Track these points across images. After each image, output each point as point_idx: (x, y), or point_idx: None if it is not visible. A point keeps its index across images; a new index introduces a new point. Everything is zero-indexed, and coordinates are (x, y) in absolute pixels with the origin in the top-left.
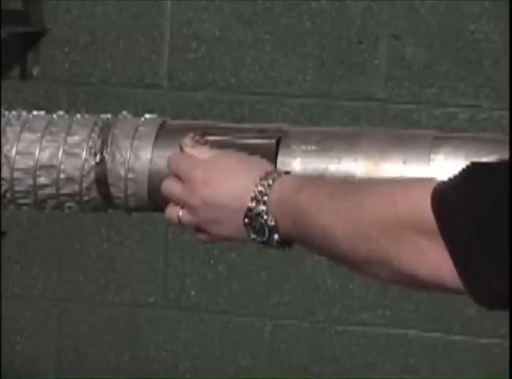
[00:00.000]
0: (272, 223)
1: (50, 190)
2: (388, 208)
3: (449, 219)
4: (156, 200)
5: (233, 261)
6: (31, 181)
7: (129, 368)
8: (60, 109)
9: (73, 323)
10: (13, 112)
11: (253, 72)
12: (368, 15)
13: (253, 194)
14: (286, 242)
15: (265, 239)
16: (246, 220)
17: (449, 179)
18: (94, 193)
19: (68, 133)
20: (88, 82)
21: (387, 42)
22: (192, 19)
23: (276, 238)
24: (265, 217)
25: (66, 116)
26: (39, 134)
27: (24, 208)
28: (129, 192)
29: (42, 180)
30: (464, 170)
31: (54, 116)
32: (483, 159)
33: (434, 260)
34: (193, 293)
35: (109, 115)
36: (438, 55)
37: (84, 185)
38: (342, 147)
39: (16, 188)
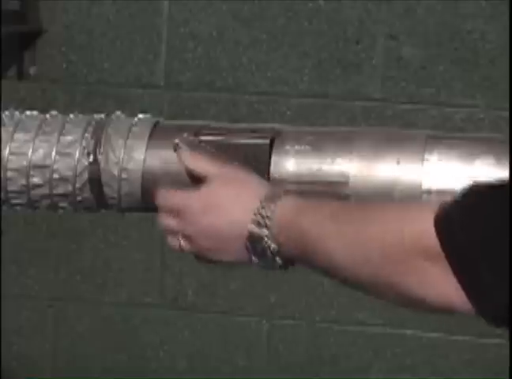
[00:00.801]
0: (275, 247)
1: (44, 190)
2: (392, 233)
3: (453, 240)
4: (149, 201)
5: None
6: (24, 182)
7: (125, 368)
8: (57, 109)
9: (69, 323)
10: (6, 112)
11: (250, 72)
12: (365, 15)
13: (254, 217)
14: (288, 264)
15: (268, 263)
16: (248, 244)
17: (452, 200)
18: (87, 193)
19: (61, 133)
20: (85, 82)
21: (384, 42)
22: (189, 19)
23: (279, 261)
24: (268, 241)
25: (59, 116)
26: (32, 134)
27: (17, 208)
28: (123, 192)
29: (35, 180)
30: (466, 190)
31: (48, 116)
32: (477, 160)
33: (440, 284)
34: (189, 293)
35: (102, 115)
36: (434, 55)
37: (78, 185)
38: (336, 147)
39: (9, 188)
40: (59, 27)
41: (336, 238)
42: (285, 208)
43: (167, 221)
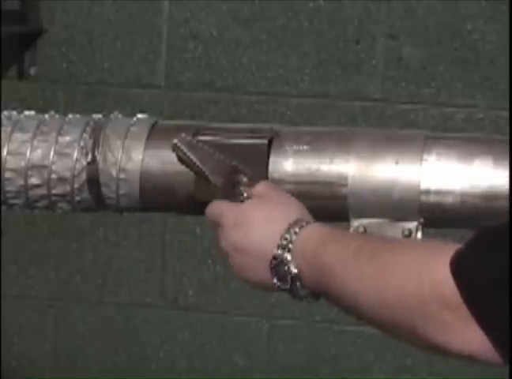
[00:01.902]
0: (295, 271)
1: (42, 191)
2: (411, 281)
3: (472, 287)
4: (147, 201)
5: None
6: (22, 182)
7: (125, 368)
8: (57, 109)
9: (70, 323)
10: (5, 112)
11: (250, 72)
12: (365, 15)
13: (279, 242)
14: (314, 294)
15: (288, 287)
16: (272, 266)
17: (466, 245)
18: (85, 194)
19: (59, 133)
20: (85, 82)
21: (384, 42)
22: (189, 19)
23: (299, 287)
24: (289, 265)
25: (58, 116)
26: (30, 134)
27: (16, 208)
28: (121, 192)
29: (33, 180)
30: (479, 233)
31: (46, 116)
32: (476, 160)
33: (461, 334)
34: (190, 293)
35: (100, 115)
36: (435, 55)
37: (76, 185)
38: (334, 147)
39: (8, 188)
40: (59, 27)
41: (358, 278)
42: (309, 235)
43: (214, 231)
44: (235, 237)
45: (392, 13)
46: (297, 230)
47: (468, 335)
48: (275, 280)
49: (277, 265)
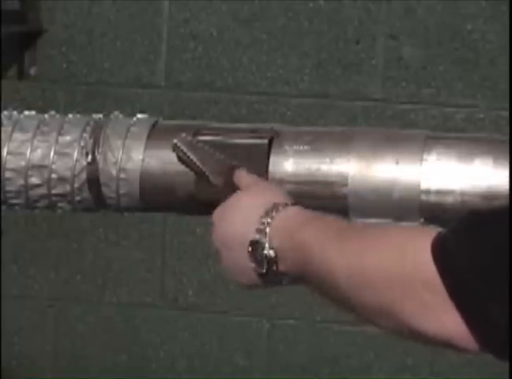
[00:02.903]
0: (271, 253)
1: (42, 190)
2: (395, 260)
3: (451, 270)
4: (147, 200)
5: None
6: (22, 182)
7: (126, 368)
8: (57, 109)
9: (70, 323)
10: (5, 112)
11: (250, 72)
12: (365, 15)
13: (257, 226)
14: (291, 278)
15: (264, 271)
16: (250, 251)
17: (449, 229)
18: (86, 193)
19: (60, 133)
20: (85, 82)
21: (384, 42)
22: (189, 19)
23: (277, 272)
24: (264, 247)
25: (58, 116)
26: (30, 134)
27: (16, 208)
28: (121, 192)
29: (33, 180)
30: (462, 218)
31: (46, 116)
32: (476, 160)
33: (440, 318)
34: (190, 293)
35: (101, 115)
36: (435, 55)
37: (76, 185)
38: (334, 147)
39: (8, 188)
40: (59, 27)
41: (339, 256)
42: (287, 217)
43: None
44: (220, 231)
45: (392, 13)
46: (274, 213)
47: (446, 320)
48: (253, 265)
49: (255, 250)
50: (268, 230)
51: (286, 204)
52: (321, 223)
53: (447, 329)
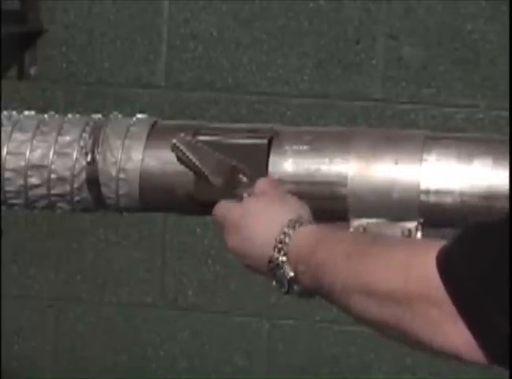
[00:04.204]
0: (291, 275)
1: (41, 190)
2: (400, 277)
3: (457, 283)
4: (147, 201)
5: (230, 261)
6: (22, 182)
7: (126, 368)
8: (57, 109)
9: (70, 323)
10: (4, 112)
11: (250, 72)
12: (365, 15)
13: (274, 243)
14: (308, 293)
15: (285, 290)
16: (269, 268)
17: (452, 241)
18: (85, 194)
19: (59, 133)
20: (85, 82)
21: (384, 42)
22: (189, 19)
23: (297, 289)
24: (285, 268)
25: (57, 116)
26: (30, 134)
27: (15, 208)
28: (121, 192)
29: (33, 180)
30: (465, 229)
31: (46, 116)
32: (476, 160)
33: (447, 331)
34: (190, 293)
35: (100, 115)
36: (435, 55)
37: (76, 185)
38: (334, 147)
39: (7, 188)
40: (59, 27)
41: (349, 276)
42: (303, 236)
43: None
44: (238, 241)
45: (392, 13)
46: (291, 232)
47: (453, 333)
48: (274, 283)
49: (274, 268)
50: (286, 249)
51: (302, 222)
52: (333, 242)
53: (454, 343)
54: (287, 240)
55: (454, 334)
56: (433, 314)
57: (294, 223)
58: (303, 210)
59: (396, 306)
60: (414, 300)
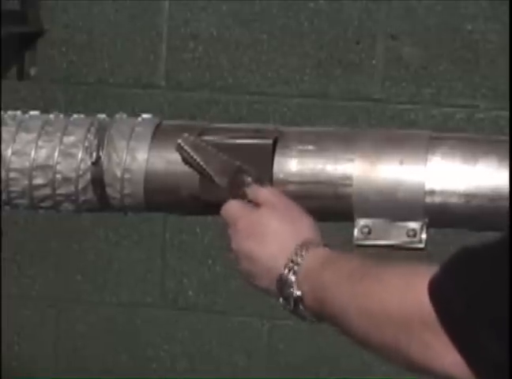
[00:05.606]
0: (298, 294)
1: (46, 191)
2: (396, 302)
3: (449, 311)
4: (151, 201)
5: (231, 261)
6: (26, 182)
7: (126, 368)
8: (57, 109)
9: (70, 323)
10: (9, 112)
11: (250, 72)
12: (365, 15)
13: (286, 261)
14: (311, 316)
15: (290, 308)
16: (278, 285)
17: (444, 266)
18: (90, 194)
19: (64, 134)
20: (85, 82)
21: (384, 42)
22: (189, 19)
23: (302, 310)
24: (293, 287)
25: (62, 116)
26: (35, 134)
27: (20, 208)
28: (126, 192)
29: (38, 180)
30: (456, 254)
31: (50, 116)
32: (480, 160)
33: (440, 355)
34: (190, 293)
35: (105, 115)
36: (435, 55)
37: (80, 185)
38: (339, 147)
39: (12, 188)
40: (59, 27)
41: (349, 299)
42: (313, 258)
43: (227, 230)
44: (249, 246)
45: (392, 13)
46: (304, 253)
47: (446, 358)
48: (280, 300)
49: (282, 286)
50: (296, 269)
51: (313, 243)
52: (338, 266)
53: (448, 367)
54: (299, 260)
55: (447, 358)
56: (427, 339)
57: (307, 245)
58: (315, 230)
59: (394, 330)
60: (410, 323)
